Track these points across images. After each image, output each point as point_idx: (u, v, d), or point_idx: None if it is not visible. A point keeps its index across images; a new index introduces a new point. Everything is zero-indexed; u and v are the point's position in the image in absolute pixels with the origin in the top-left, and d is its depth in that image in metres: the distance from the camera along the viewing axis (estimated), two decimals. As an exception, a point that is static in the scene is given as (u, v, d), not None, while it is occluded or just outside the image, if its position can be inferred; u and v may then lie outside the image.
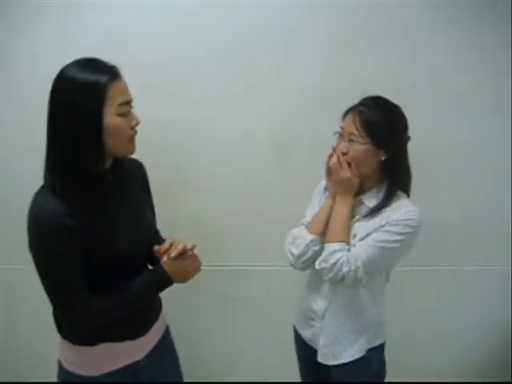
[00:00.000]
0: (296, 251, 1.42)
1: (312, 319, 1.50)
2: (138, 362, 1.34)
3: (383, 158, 1.34)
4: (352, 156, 1.34)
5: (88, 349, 1.26)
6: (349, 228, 1.38)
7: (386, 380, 1.54)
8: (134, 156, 1.29)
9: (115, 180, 1.23)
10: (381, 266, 1.39)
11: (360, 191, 1.41)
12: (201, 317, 2.17)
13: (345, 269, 1.30)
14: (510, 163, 1.96)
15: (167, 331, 1.49)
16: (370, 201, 1.39)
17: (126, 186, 1.31)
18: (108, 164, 1.22)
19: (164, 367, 1.45)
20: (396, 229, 1.32)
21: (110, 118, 1.12)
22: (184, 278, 1.30)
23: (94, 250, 1.17)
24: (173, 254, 1.23)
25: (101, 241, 1.18)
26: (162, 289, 1.30)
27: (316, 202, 1.53)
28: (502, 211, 2.02)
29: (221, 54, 1.86)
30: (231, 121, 1.92)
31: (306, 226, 1.45)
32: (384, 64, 1.87)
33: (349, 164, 1.36)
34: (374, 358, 1.47)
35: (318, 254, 1.39)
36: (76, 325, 1.21)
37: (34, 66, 1.84)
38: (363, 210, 1.40)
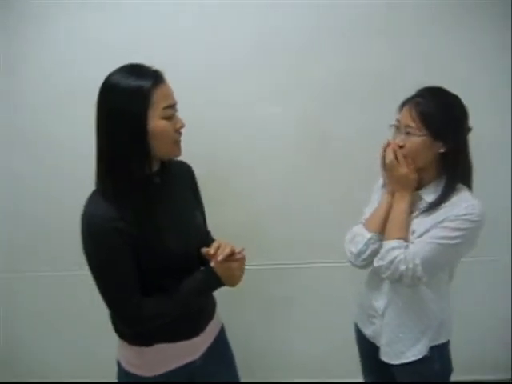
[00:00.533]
0: (355, 249, 1.41)
1: (373, 317, 1.48)
2: (193, 362, 1.36)
3: (442, 151, 1.30)
4: (409, 149, 1.31)
5: (144, 349, 1.28)
6: (408, 225, 1.35)
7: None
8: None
9: (163, 183, 1.26)
10: (441, 263, 1.34)
11: (418, 186, 1.37)
12: (250, 317, 2.18)
13: (402, 267, 1.27)
14: (510, 157, 2.00)
15: (222, 330, 1.49)
16: (429, 196, 1.35)
17: (174, 188, 1.32)
18: (155, 167, 1.24)
19: (220, 367, 1.46)
20: (455, 224, 1.27)
21: (155, 122, 1.14)
22: (233, 281, 1.30)
23: (144, 252, 1.19)
24: (220, 257, 1.22)
25: (150, 243, 1.20)
26: (212, 290, 1.32)
27: (375, 198, 1.50)
28: (502, 203, 2.04)
29: (246, 54, 1.90)
30: (265, 120, 1.95)
31: (364, 224, 1.43)
32: (398, 61, 1.90)
33: (405, 159, 1.33)
34: (437, 357, 1.42)
35: (377, 251, 1.37)
36: (129, 327, 1.25)
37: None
38: (422, 205, 1.36)
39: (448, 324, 1.46)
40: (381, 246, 1.36)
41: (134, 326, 1.23)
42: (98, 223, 1.14)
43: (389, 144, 1.36)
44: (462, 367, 1.99)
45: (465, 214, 1.27)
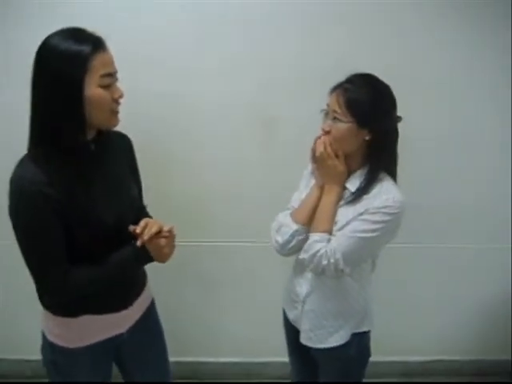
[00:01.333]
0: (281, 239, 1.40)
1: (295, 302, 1.49)
2: (121, 335, 1.36)
3: (367, 138, 1.29)
4: (334, 135, 1.29)
5: (70, 320, 1.27)
6: (334, 217, 1.34)
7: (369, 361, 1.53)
8: (121, 129, 1.29)
9: (98, 151, 1.23)
10: (362, 255, 1.35)
11: None
12: (184, 293, 2.20)
13: (324, 261, 1.28)
14: (510, 151, 2.03)
15: (152, 305, 1.49)
16: (353, 185, 1.34)
17: (110, 158, 1.29)
18: (91, 135, 1.21)
19: (148, 340, 1.47)
20: (374, 217, 1.27)
21: (92, 89, 1.11)
22: (162, 257, 1.29)
23: (74, 220, 1.16)
24: (145, 237, 1.21)
25: (81, 211, 1.17)
26: (140, 265, 1.32)
27: (303, 184, 1.49)
28: (502, 193, 2.10)
29: (208, 28, 1.85)
30: (217, 95, 1.92)
31: (291, 214, 1.41)
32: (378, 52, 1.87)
33: (336, 155, 1.32)
34: (355, 344, 1.45)
35: (304, 242, 1.37)
36: (53, 296, 1.24)
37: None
38: (346, 195, 1.35)
39: (370, 313, 1.48)
40: (307, 238, 1.36)
41: (57, 296, 1.22)
42: (25, 186, 1.11)
43: (320, 136, 1.34)
44: (468, 347, 2.31)
45: (384, 207, 1.27)
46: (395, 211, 1.27)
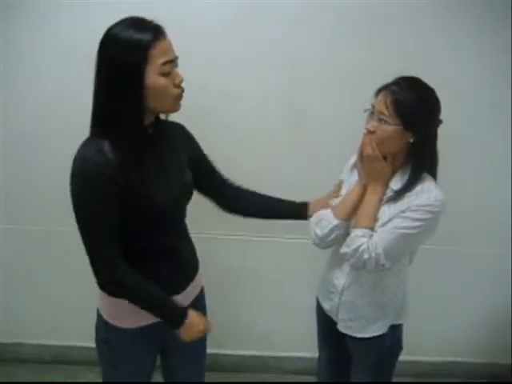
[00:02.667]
0: (320, 232, 1.45)
1: (331, 293, 1.54)
2: None
3: (411, 141, 1.34)
4: (379, 135, 1.34)
5: (124, 301, 1.27)
6: (376, 215, 1.39)
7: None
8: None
9: (155, 137, 1.27)
10: (402, 251, 1.40)
11: None
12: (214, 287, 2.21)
13: (365, 255, 1.32)
14: (510, 154, 2.07)
15: (202, 293, 1.52)
16: (396, 184, 1.39)
17: (165, 144, 1.32)
18: (149, 120, 1.24)
19: None
20: (416, 215, 1.32)
21: (153, 78, 1.14)
22: (186, 336, 1.32)
23: (129, 203, 1.19)
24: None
25: (137, 193, 1.20)
26: (165, 319, 1.32)
27: (344, 179, 1.54)
28: (503, 197, 2.13)
29: (231, 23, 1.89)
30: (248, 93, 1.97)
31: (332, 209, 1.47)
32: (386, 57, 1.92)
33: (384, 156, 1.36)
34: (390, 335, 1.50)
35: (342, 236, 1.43)
36: (101, 277, 1.25)
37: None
38: (388, 193, 1.40)
39: (406, 306, 1.53)
40: (346, 233, 1.42)
41: (104, 278, 1.24)
42: (88, 166, 1.15)
43: (366, 136, 1.38)
44: (468, 350, 2.35)
45: (426, 205, 1.32)
46: (436, 209, 1.33)
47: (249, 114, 2.00)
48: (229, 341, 2.31)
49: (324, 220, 1.46)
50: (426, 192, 1.34)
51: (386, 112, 1.31)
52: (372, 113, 1.37)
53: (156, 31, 1.15)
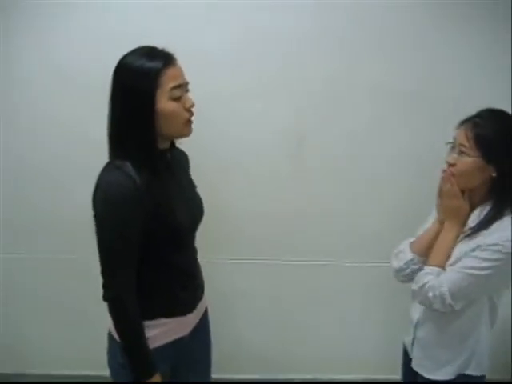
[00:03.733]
0: (396, 265, 1.47)
1: (411, 326, 1.51)
2: (183, 338, 1.40)
3: (493, 175, 1.27)
4: (459, 168, 1.29)
5: (146, 322, 1.29)
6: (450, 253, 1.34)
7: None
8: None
9: (173, 161, 1.34)
10: (470, 292, 1.31)
11: None
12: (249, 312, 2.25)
13: (430, 293, 1.29)
14: None
15: (206, 311, 1.54)
16: (473, 220, 1.32)
17: (180, 168, 1.41)
18: (166, 145, 1.30)
19: (202, 344, 1.53)
20: (484, 255, 1.24)
21: (163, 103, 1.19)
22: None
23: (154, 225, 1.23)
24: None
25: (163, 217, 1.24)
26: (133, 366, 1.27)
27: (431, 216, 1.49)
28: None
29: (234, 50, 1.94)
30: (248, 115, 2.00)
31: (410, 243, 1.47)
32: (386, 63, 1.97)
33: (462, 191, 1.32)
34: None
35: (417, 272, 1.40)
36: (105, 291, 1.25)
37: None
38: (466, 230, 1.34)
39: (481, 357, 1.41)
40: (421, 268, 1.40)
41: (109, 294, 1.24)
42: (112, 190, 1.18)
43: (446, 171, 1.34)
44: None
45: (496, 244, 1.23)
46: (506, 250, 1.23)
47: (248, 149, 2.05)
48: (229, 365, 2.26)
49: (402, 253, 1.46)
50: (501, 231, 1.25)
51: (466, 144, 1.28)
52: (453, 146, 1.34)
53: (166, 58, 1.21)
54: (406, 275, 1.45)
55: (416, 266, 1.42)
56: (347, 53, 1.96)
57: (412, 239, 1.49)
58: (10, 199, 2.07)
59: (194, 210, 1.40)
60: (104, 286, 1.25)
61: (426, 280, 1.31)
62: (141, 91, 1.18)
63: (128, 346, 1.26)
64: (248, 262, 2.15)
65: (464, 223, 1.34)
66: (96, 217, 1.22)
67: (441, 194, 1.37)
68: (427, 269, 1.33)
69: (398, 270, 1.46)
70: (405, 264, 1.44)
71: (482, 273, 1.25)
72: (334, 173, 2.07)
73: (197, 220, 1.42)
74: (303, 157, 2.06)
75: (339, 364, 2.32)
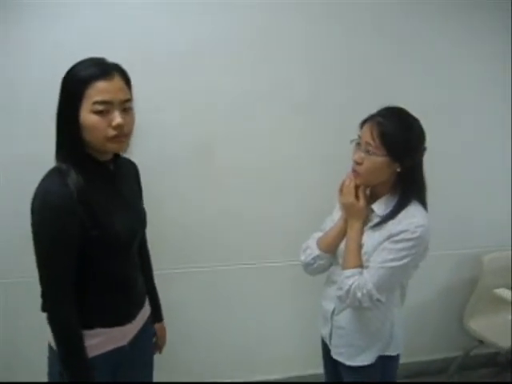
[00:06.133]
0: (304, 260, 1.54)
1: (325, 318, 1.56)
2: (123, 347, 1.38)
3: (398, 170, 1.35)
4: (367, 167, 1.36)
5: (85, 332, 1.28)
6: (360, 249, 1.41)
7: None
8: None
9: (115, 172, 1.33)
10: (394, 283, 1.40)
11: (372, 198, 1.44)
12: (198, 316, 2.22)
13: (358, 294, 1.34)
14: (510, 156, 2.26)
15: (149, 318, 1.53)
16: (380, 209, 1.40)
17: (123, 179, 1.38)
18: (107, 157, 1.29)
19: (143, 352, 1.50)
20: (399, 245, 1.33)
21: (85, 115, 1.18)
22: None
23: (92, 235, 1.21)
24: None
25: (100, 227, 1.22)
26: (70, 372, 1.26)
27: (335, 210, 1.57)
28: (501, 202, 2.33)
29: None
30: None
31: (317, 240, 1.52)
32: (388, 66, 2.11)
33: (357, 187, 1.40)
34: (380, 367, 1.49)
35: (325, 266, 1.51)
36: (44, 306, 1.25)
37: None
38: (373, 218, 1.42)
39: (397, 337, 1.50)
40: (328, 263, 1.50)
41: (47, 304, 1.24)
42: (51, 200, 1.17)
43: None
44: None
45: (406, 231, 1.32)
46: (416, 235, 1.32)
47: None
48: (220, 368, 2.30)
49: (309, 249, 1.53)
50: (408, 218, 1.35)
51: (372, 143, 1.33)
52: (358, 144, 1.39)
53: (104, 71, 1.18)
54: (314, 270, 1.54)
55: (322, 261, 1.51)
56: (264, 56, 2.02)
57: (319, 234, 1.55)
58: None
59: (134, 221, 1.37)
60: (42, 296, 1.24)
61: (350, 282, 1.36)
62: (68, 98, 1.20)
63: (65, 356, 1.25)
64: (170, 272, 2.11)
65: (362, 219, 1.42)
66: (33, 225, 1.20)
67: (340, 190, 1.45)
68: (347, 272, 1.38)
69: (306, 265, 1.54)
70: (312, 259, 1.51)
71: (401, 262, 1.33)
72: (244, 178, 2.10)
73: (136, 230, 1.38)
74: (215, 162, 2.08)
75: (260, 364, 2.36)
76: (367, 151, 1.35)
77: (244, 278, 2.21)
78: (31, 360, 1.93)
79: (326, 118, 2.11)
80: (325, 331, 1.57)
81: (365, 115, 1.41)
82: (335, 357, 1.53)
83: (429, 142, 1.39)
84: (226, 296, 2.22)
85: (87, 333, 1.28)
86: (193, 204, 2.07)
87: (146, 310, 1.50)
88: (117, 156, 1.34)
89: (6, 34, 1.81)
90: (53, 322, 1.24)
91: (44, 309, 1.25)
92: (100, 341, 1.31)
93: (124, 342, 1.38)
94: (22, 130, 1.86)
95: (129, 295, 1.38)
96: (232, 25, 1.95)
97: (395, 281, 1.40)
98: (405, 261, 1.33)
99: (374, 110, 1.40)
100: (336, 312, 1.50)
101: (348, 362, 1.49)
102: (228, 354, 2.29)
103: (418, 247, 1.34)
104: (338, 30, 2.04)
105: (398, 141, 1.32)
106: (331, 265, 1.53)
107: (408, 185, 1.38)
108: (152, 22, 1.90)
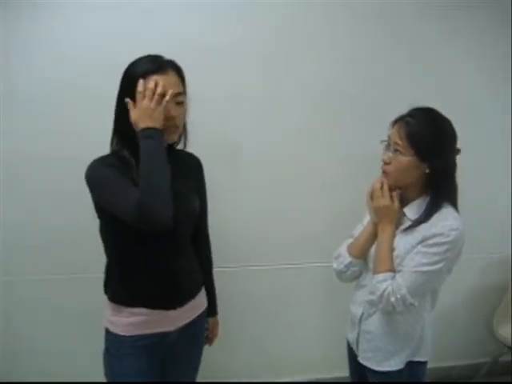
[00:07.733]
0: (337, 268, 1.54)
1: (354, 323, 1.54)
2: (168, 334, 1.42)
3: (427, 171, 1.33)
4: (395, 167, 1.34)
5: (123, 308, 1.37)
6: (392, 253, 1.38)
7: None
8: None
9: (176, 162, 1.33)
10: (427, 287, 1.38)
11: (403, 202, 1.41)
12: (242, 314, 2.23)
13: (392, 298, 1.32)
14: (510, 156, 2.23)
15: (203, 314, 1.54)
16: (412, 213, 1.38)
17: (176, 171, 1.32)
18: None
19: (189, 345, 1.52)
20: (433, 249, 1.30)
21: None
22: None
23: None
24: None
25: None
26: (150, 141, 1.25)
27: (366, 218, 1.54)
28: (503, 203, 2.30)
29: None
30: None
31: (347, 247, 1.51)
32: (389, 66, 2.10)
33: (391, 190, 1.38)
34: (408, 373, 1.46)
35: (357, 273, 1.49)
36: (131, 208, 1.20)
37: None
38: (405, 222, 1.39)
39: (427, 342, 1.48)
40: (360, 269, 1.47)
41: (148, 205, 1.19)
42: (100, 160, 1.30)
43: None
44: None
45: (441, 234, 1.29)
46: (450, 239, 1.29)
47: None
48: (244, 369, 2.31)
49: (341, 256, 1.52)
50: (441, 220, 1.32)
51: (400, 142, 1.32)
52: (388, 144, 1.38)
53: (159, 66, 1.26)
54: (347, 277, 1.52)
55: (355, 268, 1.49)
56: (284, 56, 2.01)
57: (350, 240, 1.53)
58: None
59: (178, 211, 1.28)
60: (124, 211, 1.21)
61: (383, 287, 1.34)
62: (126, 90, 1.26)
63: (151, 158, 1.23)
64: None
65: (395, 222, 1.39)
66: (89, 184, 1.28)
67: (370, 194, 1.42)
68: (379, 277, 1.36)
69: (339, 273, 1.53)
70: (345, 267, 1.50)
71: (435, 267, 1.31)
72: (272, 176, 2.10)
73: (178, 221, 1.29)
74: (239, 163, 2.07)
75: (288, 366, 2.35)
76: (395, 151, 1.34)
77: (273, 279, 2.21)
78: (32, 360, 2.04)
79: (354, 119, 2.09)
80: (352, 336, 1.55)
81: (394, 116, 1.39)
82: (362, 361, 1.50)
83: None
84: (256, 296, 2.22)
85: (131, 310, 1.36)
86: (219, 204, 2.01)
87: (199, 303, 1.52)
88: (171, 149, 1.38)
89: (6, 32, 1.83)
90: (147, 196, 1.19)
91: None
92: (143, 320, 1.37)
93: (170, 328, 1.42)
94: (21, 129, 1.84)
95: (174, 282, 1.41)
96: (258, 25, 1.96)
97: (429, 285, 1.37)
98: (439, 265, 1.31)
99: (401, 112, 1.38)
100: (365, 316, 1.48)
101: (376, 367, 1.47)
102: (254, 355, 2.29)
103: (452, 251, 1.31)
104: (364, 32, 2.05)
105: (425, 141, 1.30)
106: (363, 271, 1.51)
107: (439, 187, 1.35)
108: (157, 22, 1.90)
